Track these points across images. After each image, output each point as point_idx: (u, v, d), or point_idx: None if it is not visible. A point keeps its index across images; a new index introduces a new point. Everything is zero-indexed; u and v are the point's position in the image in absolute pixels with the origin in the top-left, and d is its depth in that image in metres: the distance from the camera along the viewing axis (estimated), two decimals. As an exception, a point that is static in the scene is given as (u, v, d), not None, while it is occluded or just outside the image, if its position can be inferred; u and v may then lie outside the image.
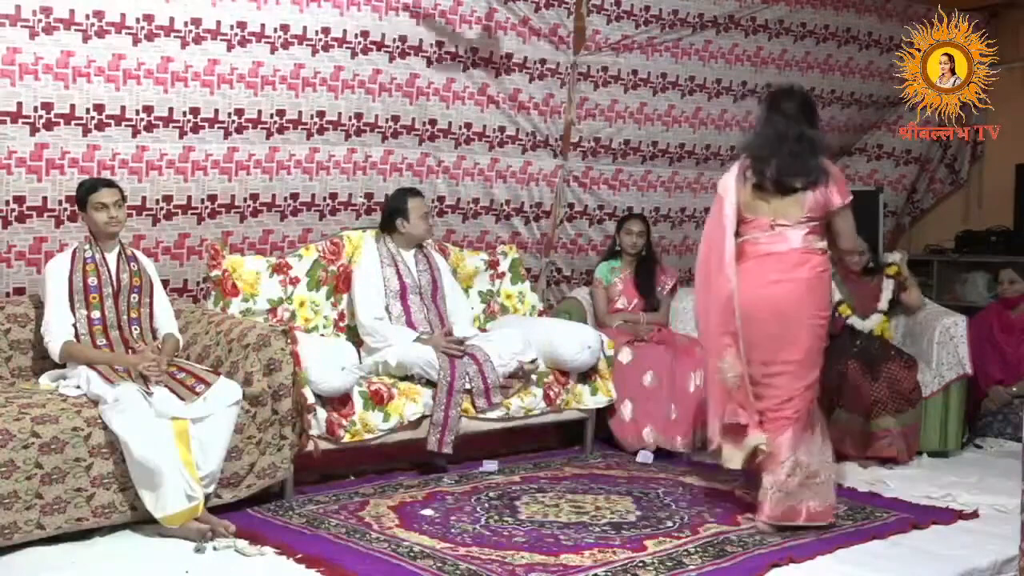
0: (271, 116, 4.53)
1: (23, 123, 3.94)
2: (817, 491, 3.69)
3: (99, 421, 3.41)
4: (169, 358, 3.74)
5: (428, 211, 4.85)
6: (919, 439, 4.94)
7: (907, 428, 4.82)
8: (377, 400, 4.19)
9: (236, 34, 4.33)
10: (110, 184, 3.86)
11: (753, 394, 3.71)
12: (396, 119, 4.93)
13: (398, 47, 4.80)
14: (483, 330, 4.97)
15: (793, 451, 3.67)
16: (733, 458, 3.79)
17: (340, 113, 4.74)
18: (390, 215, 4.74)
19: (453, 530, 3.56)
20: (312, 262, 4.66)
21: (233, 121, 4.44)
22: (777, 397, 3.71)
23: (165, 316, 3.96)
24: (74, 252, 3.81)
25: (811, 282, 3.74)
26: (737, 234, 3.79)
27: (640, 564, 3.22)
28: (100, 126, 4.10)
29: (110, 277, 3.81)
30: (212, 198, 4.51)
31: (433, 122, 5.06)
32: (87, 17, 3.96)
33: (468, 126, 5.19)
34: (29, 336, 3.92)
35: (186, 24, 4.19)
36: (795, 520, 3.65)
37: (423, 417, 4.32)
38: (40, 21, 3.87)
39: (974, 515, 3.94)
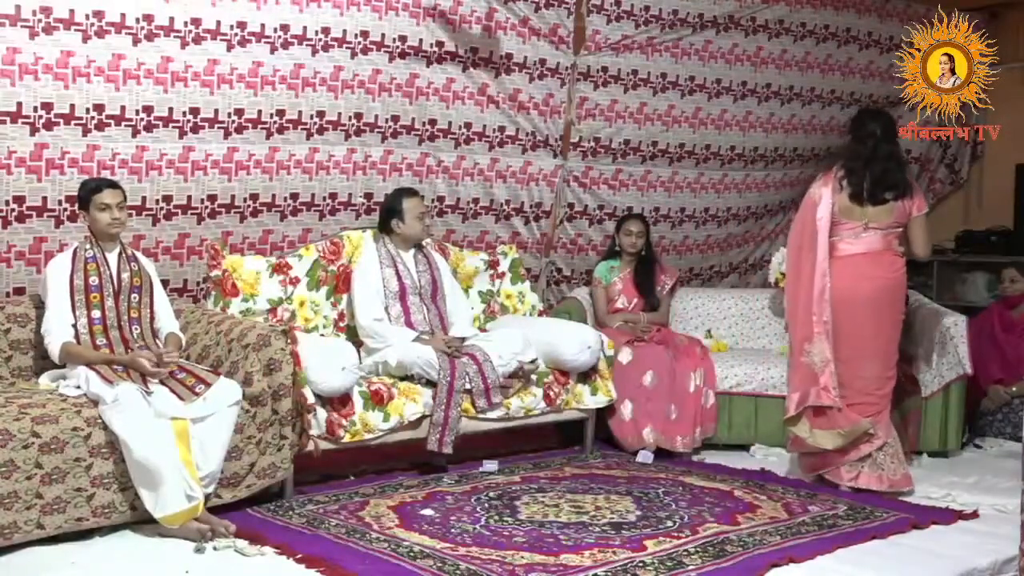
0: (271, 116, 4.53)
1: (23, 123, 3.94)
2: (900, 461, 4.31)
3: (99, 421, 3.41)
4: (175, 355, 3.75)
5: (425, 211, 4.83)
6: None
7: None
8: (377, 400, 4.19)
9: (236, 34, 4.33)
10: (113, 185, 3.85)
11: (846, 379, 4.26)
12: (396, 119, 4.93)
13: (398, 47, 4.80)
14: (483, 330, 4.97)
15: (888, 428, 4.31)
16: (828, 440, 4.27)
17: (340, 113, 4.74)
18: (386, 216, 4.74)
19: (453, 530, 3.55)
20: (312, 262, 4.65)
21: (233, 121, 4.44)
22: (873, 381, 4.30)
23: (166, 315, 3.97)
24: (75, 252, 3.81)
25: (898, 280, 4.37)
26: (829, 235, 4.34)
27: (640, 564, 3.22)
28: (100, 126, 4.11)
29: (111, 277, 3.81)
30: (212, 198, 4.51)
31: (433, 122, 5.06)
32: (87, 17, 3.96)
33: (468, 126, 5.19)
34: (29, 336, 3.92)
35: (186, 24, 4.19)
36: (885, 487, 4.23)
37: (423, 417, 4.32)
38: (40, 21, 3.87)
39: (974, 515, 3.94)
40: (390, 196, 4.78)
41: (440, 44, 4.92)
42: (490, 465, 4.52)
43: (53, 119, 3.99)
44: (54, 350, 3.69)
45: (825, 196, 4.33)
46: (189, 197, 4.44)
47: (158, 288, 4.01)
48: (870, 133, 4.36)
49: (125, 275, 3.85)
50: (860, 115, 4.64)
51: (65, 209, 4.11)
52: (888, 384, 4.34)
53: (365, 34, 4.68)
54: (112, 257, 3.84)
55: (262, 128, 4.54)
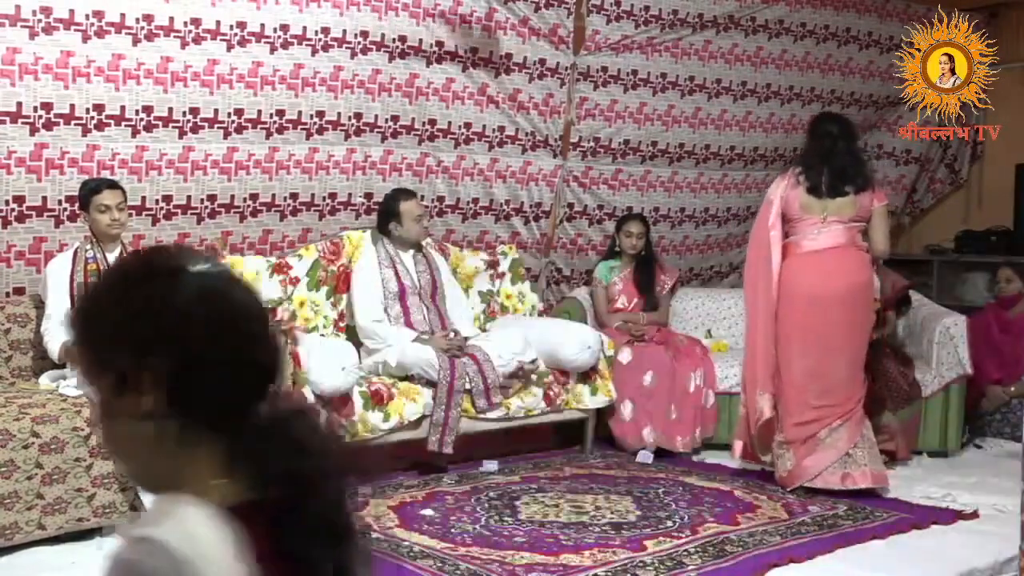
0: (271, 116, 4.53)
1: (23, 123, 3.94)
2: (876, 457, 4.23)
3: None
4: None
5: (422, 213, 4.79)
6: (918, 434, 4.94)
7: (906, 423, 4.83)
8: (377, 400, 4.19)
9: (236, 34, 4.33)
10: (113, 185, 3.85)
11: (810, 378, 4.17)
12: (396, 119, 4.92)
13: (398, 47, 4.80)
14: (483, 330, 4.97)
15: (856, 428, 4.17)
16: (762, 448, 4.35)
17: (340, 113, 4.73)
18: (383, 218, 4.74)
19: (453, 530, 3.56)
20: (312, 262, 4.65)
21: (233, 121, 4.44)
22: (841, 382, 4.18)
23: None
24: (75, 252, 3.81)
25: (868, 279, 4.28)
26: (790, 233, 4.28)
27: (640, 564, 3.22)
28: (100, 126, 4.10)
29: (110, 277, 3.81)
30: (212, 198, 4.51)
31: (433, 122, 5.05)
32: (87, 17, 3.96)
33: (468, 126, 5.19)
34: (29, 336, 3.92)
35: (186, 24, 4.19)
36: (870, 483, 4.14)
37: (423, 417, 4.32)
38: (40, 21, 3.86)
39: (974, 515, 3.94)
40: (387, 198, 4.77)
41: (440, 44, 4.92)
42: (490, 465, 4.52)
43: (53, 119, 3.98)
44: (54, 348, 3.70)
45: (778, 196, 4.30)
46: (189, 197, 4.44)
47: (158, 288, 4.00)
48: (827, 132, 4.32)
49: (125, 275, 3.84)
50: (818, 117, 4.63)
51: (65, 209, 4.11)
52: (855, 384, 4.22)
53: (365, 34, 4.68)
54: (112, 258, 3.84)
55: (262, 128, 4.53)
